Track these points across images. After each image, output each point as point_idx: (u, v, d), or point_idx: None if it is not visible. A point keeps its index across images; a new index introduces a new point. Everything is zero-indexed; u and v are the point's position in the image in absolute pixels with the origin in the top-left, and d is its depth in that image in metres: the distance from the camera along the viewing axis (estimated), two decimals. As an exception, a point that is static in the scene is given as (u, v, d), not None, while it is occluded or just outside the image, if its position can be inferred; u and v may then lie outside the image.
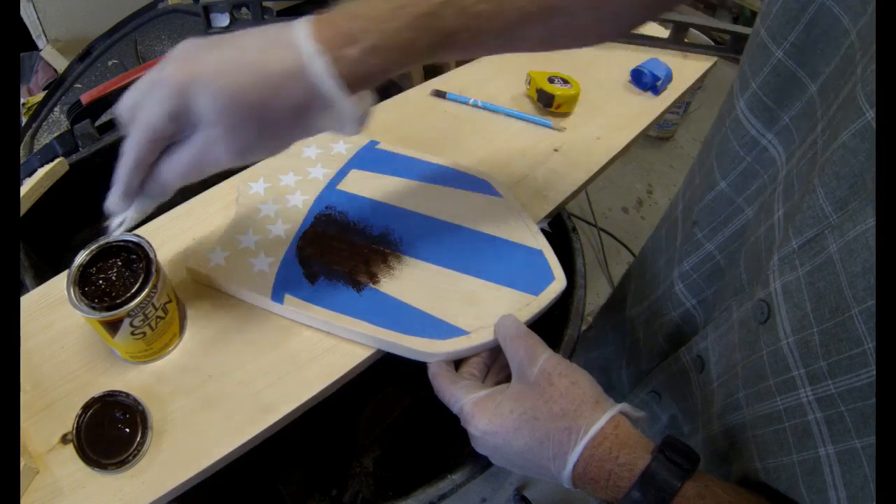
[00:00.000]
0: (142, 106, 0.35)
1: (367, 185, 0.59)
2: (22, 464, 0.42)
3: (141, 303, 0.44)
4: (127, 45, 1.02)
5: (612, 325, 0.73)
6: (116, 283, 0.45)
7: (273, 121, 0.34)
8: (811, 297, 0.33)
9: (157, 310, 0.46)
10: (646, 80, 0.75)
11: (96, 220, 0.76)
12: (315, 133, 0.37)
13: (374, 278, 0.52)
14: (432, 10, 0.34)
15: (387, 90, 0.80)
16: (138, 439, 0.44)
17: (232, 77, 0.33)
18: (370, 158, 0.61)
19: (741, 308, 0.43)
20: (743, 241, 0.48)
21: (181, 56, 0.34)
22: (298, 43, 0.33)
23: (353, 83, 0.34)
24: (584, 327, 0.74)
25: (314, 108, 0.34)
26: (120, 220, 0.42)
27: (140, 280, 0.44)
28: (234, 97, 0.33)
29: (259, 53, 0.33)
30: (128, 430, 0.44)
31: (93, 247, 0.45)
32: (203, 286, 0.53)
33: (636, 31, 0.83)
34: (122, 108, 0.36)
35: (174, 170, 0.36)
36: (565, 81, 0.71)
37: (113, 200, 0.39)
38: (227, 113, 0.33)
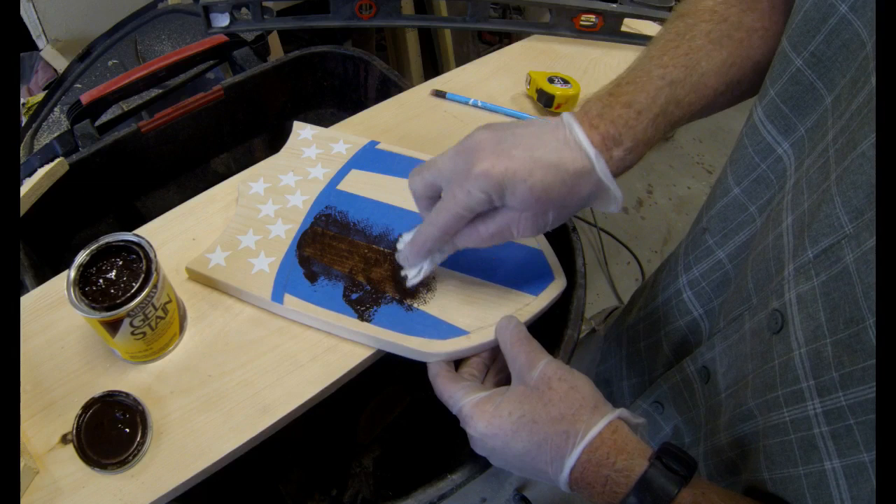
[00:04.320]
0: (455, 190, 0.42)
1: (368, 185, 0.59)
2: (22, 464, 0.42)
3: (141, 303, 0.44)
4: (127, 45, 1.02)
5: (615, 336, 0.73)
6: (116, 283, 0.45)
7: (567, 206, 0.43)
8: (826, 307, 0.33)
9: (157, 310, 0.46)
10: (646, 81, 0.75)
11: (96, 220, 0.76)
12: (587, 206, 0.45)
13: (373, 278, 0.52)
14: (662, 109, 0.43)
15: (387, 90, 0.81)
16: (138, 439, 0.44)
17: (540, 176, 0.40)
18: (370, 158, 0.61)
19: (754, 318, 0.43)
20: (750, 251, 0.48)
21: (488, 153, 0.41)
22: (583, 146, 0.41)
23: (617, 174, 0.43)
24: (584, 328, 0.74)
25: (594, 196, 0.43)
26: (416, 271, 0.49)
27: (140, 280, 0.44)
28: (543, 192, 0.41)
29: (556, 154, 0.41)
30: (128, 430, 0.44)
31: (93, 247, 0.45)
32: (203, 286, 0.53)
33: (636, 32, 0.83)
34: (417, 185, 0.45)
35: (474, 238, 0.44)
36: (565, 81, 0.71)
37: (411, 256, 0.47)
38: (536, 203, 0.41)
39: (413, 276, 0.49)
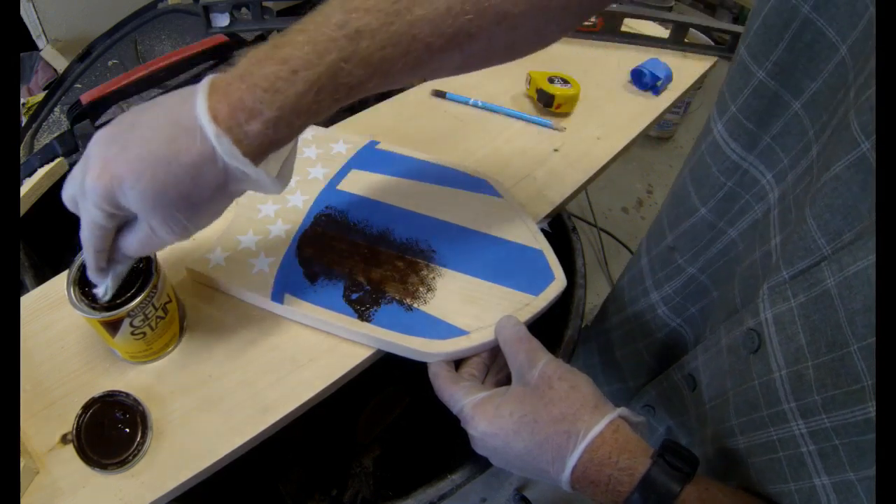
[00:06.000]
0: (82, 205, 0.36)
1: (367, 185, 0.59)
2: (22, 464, 0.42)
3: (141, 303, 0.44)
4: (127, 45, 1.02)
5: (594, 340, 0.73)
6: (116, 283, 0.45)
7: (198, 203, 0.36)
8: (805, 329, 0.33)
9: (157, 310, 0.46)
10: (646, 80, 0.75)
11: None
12: (243, 193, 0.38)
13: (373, 278, 0.52)
14: (331, 69, 0.34)
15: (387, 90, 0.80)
16: (138, 439, 0.44)
17: (149, 177, 0.33)
18: (370, 158, 0.61)
19: (730, 334, 0.42)
20: (728, 259, 0.47)
21: (97, 159, 0.34)
22: (202, 126, 0.33)
23: (262, 153, 0.35)
24: (583, 327, 0.74)
25: (232, 182, 0.36)
26: (103, 289, 0.44)
27: (140, 280, 0.44)
28: (157, 195, 0.34)
29: (168, 145, 0.33)
30: (128, 430, 0.44)
31: (93, 247, 0.45)
32: (203, 286, 0.53)
33: (636, 32, 0.83)
34: (65, 200, 0.38)
35: (131, 247, 0.39)
36: (565, 81, 0.71)
37: (91, 275, 0.42)
38: (155, 208, 0.35)
39: (101, 294, 0.44)
